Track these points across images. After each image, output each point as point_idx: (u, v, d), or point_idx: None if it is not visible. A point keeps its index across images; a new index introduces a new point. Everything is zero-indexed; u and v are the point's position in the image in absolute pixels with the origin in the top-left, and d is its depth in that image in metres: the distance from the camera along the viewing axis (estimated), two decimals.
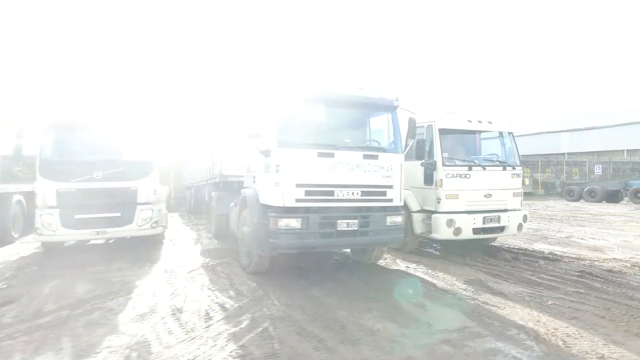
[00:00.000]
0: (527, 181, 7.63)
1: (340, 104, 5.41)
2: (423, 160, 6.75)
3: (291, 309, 4.12)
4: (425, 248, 7.70)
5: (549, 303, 4.34)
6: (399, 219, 5.37)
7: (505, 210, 6.89)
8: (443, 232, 6.41)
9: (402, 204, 5.55)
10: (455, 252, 7.15)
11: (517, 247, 7.69)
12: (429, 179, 6.72)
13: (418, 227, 6.79)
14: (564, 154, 43.98)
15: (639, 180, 21.37)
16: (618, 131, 41.77)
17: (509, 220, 6.84)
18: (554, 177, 33.74)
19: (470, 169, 6.68)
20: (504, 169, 7.00)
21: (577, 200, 22.32)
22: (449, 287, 5.04)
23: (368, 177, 5.23)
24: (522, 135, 48.63)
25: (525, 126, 53.03)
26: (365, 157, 5.25)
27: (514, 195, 7.04)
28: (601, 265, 6.08)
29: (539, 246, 7.83)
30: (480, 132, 7.19)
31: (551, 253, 7.06)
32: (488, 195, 6.77)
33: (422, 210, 6.86)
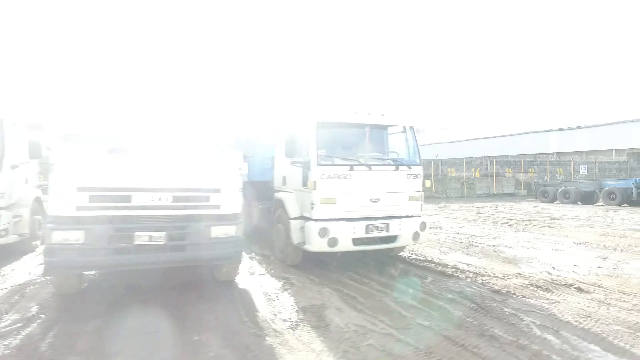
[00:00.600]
0: (428, 182, 6.55)
1: None
2: (293, 159, 5.79)
3: None
4: (324, 258, 6.71)
5: (364, 344, 3.35)
6: (230, 230, 4.38)
7: (398, 217, 5.90)
8: (315, 243, 5.42)
9: (235, 211, 4.56)
10: (347, 265, 6.17)
11: (421, 258, 6.70)
12: (305, 181, 5.73)
13: (295, 237, 5.79)
14: (552, 153, 43.15)
15: (613, 181, 20.34)
16: (605, 130, 40.98)
17: (401, 229, 5.83)
18: (538, 178, 32.76)
19: (351, 168, 5.67)
20: (397, 168, 5.97)
21: (551, 201, 21.32)
22: (270, 316, 4.02)
23: (182, 179, 4.26)
24: (511, 135, 48.03)
25: (515, 126, 52.16)
26: (175, 152, 4.26)
27: (411, 199, 6.03)
28: (494, 284, 5.09)
29: (450, 257, 6.84)
30: (370, 126, 6.16)
31: (454, 267, 6.07)
32: (375, 200, 5.77)
33: (300, 217, 5.86)
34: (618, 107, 44.49)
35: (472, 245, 8.01)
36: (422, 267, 6.07)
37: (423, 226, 6.01)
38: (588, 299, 4.43)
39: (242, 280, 5.37)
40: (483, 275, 5.54)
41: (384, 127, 6.50)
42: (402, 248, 6.76)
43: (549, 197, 21.59)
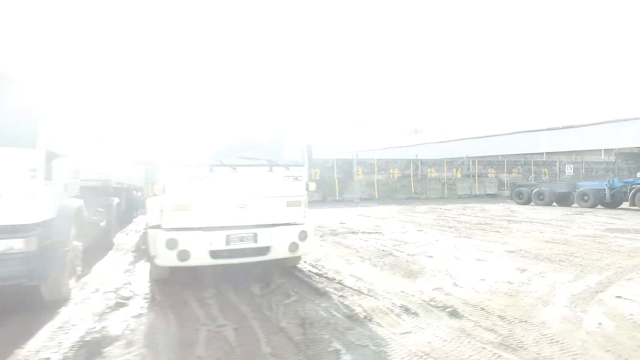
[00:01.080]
0: (312, 186, 5.72)
1: None
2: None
3: None
4: (204, 270, 5.93)
5: None
6: (15, 244, 3.61)
7: (272, 226, 5.12)
8: (163, 257, 4.65)
9: (21, 221, 3.78)
10: (225, 277, 5.41)
11: (314, 271, 5.92)
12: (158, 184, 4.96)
13: (151, 248, 5.04)
14: (542, 153, 42.41)
15: (587, 182, 19.55)
16: (595, 130, 40.18)
17: (273, 239, 5.04)
18: (522, 178, 31.99)
19: (212, 169, 4.90)
20: (271, 169, 5.19)
21: (526, 203, 20.56)
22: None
23: None
24: (502, 135, 47.25)
25: (505, 125, 51.48)
26: None
27: (289, 205, 5.25)
28: (359, 306, 4.32)
29: (348, 270, 6.06)
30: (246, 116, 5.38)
31: (340, 282, 5.29)
32: (241, 206, 4.99)
33: (159, 226, 5.10)
34: (608, 106, 43.66)
35: (390, 254, 7.23)
36: (303, 282, 5.30)
37: (303, 235, 5.22)
38: (449, 329, 3.67)
39: (76, 297, 4.62)
40: (360, 294, 4.77)
41: (264, 119, 5.70)
42: (296, 259, 6.01)
43: (523, 199, 20.83)
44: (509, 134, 47.79)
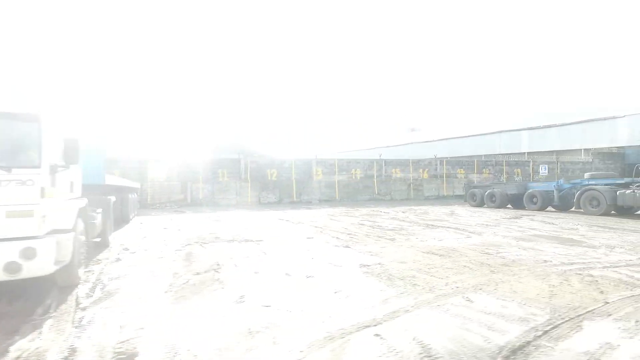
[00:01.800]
0: (51, 193, 4.72)
1: None
2: None
3: None
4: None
5: None
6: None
7: None
8: None
9: None
10: None
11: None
12: None
13: None
14: (524, 153, 41.41)
15: (539, 183, 18.52)
16: (575, 129, 39.20)
17: None
18: (492, 178, 30.98)
19: None
20: None
21: (480, 205, 19.60)
22: None
23: None
24: (484, 134, 46.21)
25: (488, 124, 50.51)
26: None
27: (10, 215, 4.28)
28: None
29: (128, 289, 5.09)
30: None
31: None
32: None
33: None
34: (588, 105, 42.63)
35: (214, 270, 6.25)
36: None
37: (29, 253, 4.24)
38: None
39: None
40: None
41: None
42: (71, 277, 5.08)
43: (477, 201, 19.85)
44: (491, 133, 46.86)
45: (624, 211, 14.85)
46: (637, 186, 13.94)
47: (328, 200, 25.86)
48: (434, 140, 51.91)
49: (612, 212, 15.01)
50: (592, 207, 14.84)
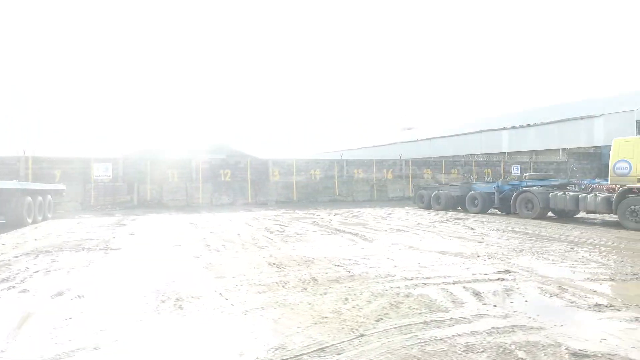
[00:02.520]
0: None
1: None
2: None
3: None
4: None
5: None
6: None
7: None
8: None
9: None
10: None
11: None
12: None
13: None
14: (504, 153, 40.70)
15: (483, 184, 17.75)
16: (554, 129, 38.46)
17: None
18: (461, 179, 30.23)
19: None
20: None
21: (427, 207, 18.83)
22: None
23: None
24: (465, 134, 45.46)
25: (470, 124, 49.81)
26: None
27: None
28: None
29: None
30: None
31: None
32: None
33: None
34: (564, 104, 41.99)
35: None
36: None
37: None
38: None
39: None
40: None
41: None
42: None
43: (425, 203, 19.09)
44: (473, 133, 46.22)
45: (565, 214, 14.06)
46: (572, 187, 13.21)
47: (285, 202, 25.14)
48: (418, 140, 51.31)
49: (552, 215, 14.28)
50: (527, 210, 14.09)
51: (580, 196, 12.38)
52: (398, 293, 4.91)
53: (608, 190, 11.89)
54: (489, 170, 31.96)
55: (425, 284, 5.33)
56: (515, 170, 32.38)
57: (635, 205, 10.94)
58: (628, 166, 11.35)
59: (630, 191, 11.10)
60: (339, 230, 11.13)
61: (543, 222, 12.82)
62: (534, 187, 14.13)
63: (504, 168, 32.32)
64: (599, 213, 12.32)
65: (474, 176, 30.92)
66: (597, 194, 11.99)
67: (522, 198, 14.23)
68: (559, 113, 39.12)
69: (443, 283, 5.34)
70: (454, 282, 5.36)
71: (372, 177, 28.06)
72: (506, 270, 6.05)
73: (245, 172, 25.21)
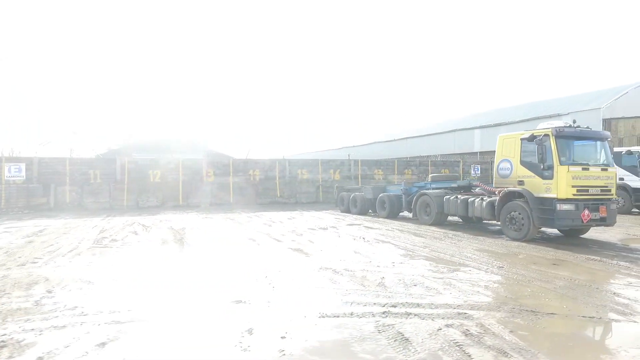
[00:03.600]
0: None
1: None
2: None
3: None
4: None
5: None
6: None
7: None
8: None
9: None
10: None
11: None
12: None
13: None
14: (476, 153, 39.35)
15: (395, 186, 16.38)
16: (524, 127, 36.97)
17: None
18: (416, 179, 28.84)
19: None
20: None
21: (347, 210, 17.52)
22: None
23: None
24: (440, 133, 44.16)
25: (441, 124, 48.68)
26: None
27: None
28: None
29: None
30: None
31: None
32: None
33: None
34: (531, 103, 40.77)
35: None
36: None
37: None
38: None
39: None
40: None
41: None
42: None
43: (344, 206, 17.77)
44: (446, 132, 44.97)
45: (474, 220, 12.64)
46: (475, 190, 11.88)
47: (220, 204, 23.85)
48: (395, 140, 50.19)
49: (459, 220, 12.95)
50: (426, 215, 12.75)
51: (469, 200, 11.04)
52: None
53: (493, 193, 10.55)
54: (447, 171, 30.55)
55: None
56: (475, 171, 31.02)
57: (514, 211, 9.58)
58: (510, 166, 9.99)
59: (512, 195, 9.73)
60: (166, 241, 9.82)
61: (431, 230, 11.46)
62: (432, 190, 12.78)
63: (462, 168, 30.93)
64: (485, 219, 10.97)
65: (429, 177, 29.51)
66: (484, 198, 10.64)
67: (422, 202, 12.90)
68: (528, 112, 37.87)
69: None
70: None
71: (318, 177, 26.72)
72: None
73: (177, 173, 23.92)
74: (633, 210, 15.93)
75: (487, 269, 6.63)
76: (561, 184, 8.63)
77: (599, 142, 9.48)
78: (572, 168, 8.67)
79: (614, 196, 9.22)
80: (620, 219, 14.23)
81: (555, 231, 10.66)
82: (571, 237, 10.12)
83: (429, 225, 12.31)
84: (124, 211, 20.04)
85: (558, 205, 8.60)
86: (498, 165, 10.46)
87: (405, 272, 6.22)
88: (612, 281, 6.12)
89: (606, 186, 9.04)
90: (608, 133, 9.93)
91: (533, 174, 9.24)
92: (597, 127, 31.10)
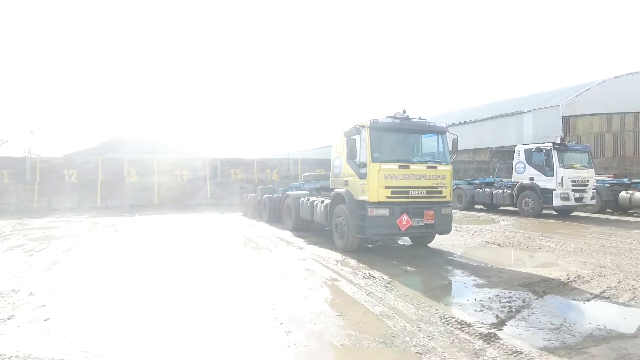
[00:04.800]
0: None
1: None
2: None
3: None
4: None
5: None
6: None
7: None
8: None
9: None
10: None
11: None
12: None
13: None
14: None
15: (295, 184, 14.92)
16: (488, 125, 35.91)
17: None
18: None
19: None
20: None
21: (245, 213, 16.12)
22: None
23: None
24: None
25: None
26: None
27: None
28: None
29: None
30: None
31: None
32: None
33: None
34: (494, 102, 39.57)
35: None
36: None
37: None
38: None
39: None
40: None
41: None
42: None
43: (243, 208, 16.38)
44: None
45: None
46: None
47: (144, 206, 22.59)
48: None
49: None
50: (290, 219, 11.39)
51: (314, 203, 9.66)
52: None
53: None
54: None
55: None
56: None
57: (339, 217, 8.20)
58: (340, 164, 8.61)
59: (338, 198, 8.33)
60: None
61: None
62: (293, 192, 11.39)
63: None
64: (324, 225, 9.55)
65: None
66: (324, 201, 9.26)
67: (286, 206, 11.53)
68: (493, 110, 36.71)
69: None
70: None
71: (254, 177, 25.38)
72: None
73: (96, 173, 22.64)
74: (544, 212, 14.53)
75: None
76: (372, 185, 7.25)
77: (432, 136, 8.11)
78: (384, 166, 7.29)
79: (447, 199, 7.82)
80: (523, 222, 12.84)
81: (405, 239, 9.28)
82: (418, 246, 8.76)
83: (290, 230, 10.94)
84: (23, 214, 18.76)
85: (369, 210, 7.22)
86: (332, 163, 9.09)
87: None
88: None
89: (435, 187, 7.65)
90: (444, 126, 8.52)
91: (354, 173, 7.87)
92: (557, 124, 29.75)
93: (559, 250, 8.30)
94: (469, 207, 17.05)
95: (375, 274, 6.23)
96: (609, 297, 5.11)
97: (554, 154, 13.48)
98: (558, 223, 12.70)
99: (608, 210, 15.39)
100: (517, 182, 14.50)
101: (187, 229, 11.78)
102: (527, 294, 5.19)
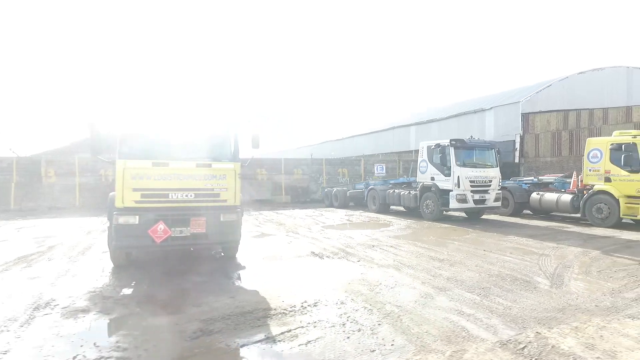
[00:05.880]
0: None
1: None
2: None
3: None
4: None
5: None
6: None
7: None
8: None
9: None
10: None
11: None
12: None
13: None
14: (411, 151, 36.72)
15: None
16: (452, 123, 34.79)
17: None
18: (309, 180, 26.26)
19: None
20: None
21: None
22: None
23: None
24: (379, 131, 41.63)
25: (382, 121, 46.86)
26: None
27: None
28: None
29: None
30: None
31: None
32: None
33: None
34: (460, 101, 38.35)
35: None
36: None
37: None
38: None
39: None
40: None
41: None
42: None
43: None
44: (385, 130, 42.69)
45: None
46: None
47: (64, 208, 21.31)
48: (344, 138, 48.31)
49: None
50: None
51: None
52: None
53: None
54: (345, 170, 27.85)
55: None
56: (379, 170, 28.24)
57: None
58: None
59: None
60: None
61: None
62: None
63: (364, 167, 28.16)
64: None
65: (324, 177, 26.83)
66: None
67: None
68: (457, 109, 35.72)
69: None
70: None
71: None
72: None
73: (10, 173, 21.34)
74: (456, 214, 13.08)
75: None
76: (117, 186, 5.87)
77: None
78: (130, 163, 5.91)
79: (230, 203, 6.42)
80: (413, 226, 11.41)
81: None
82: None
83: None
84: None
85: (114, 218, 5.84)
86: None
87: None
88: None
89: (210, 189, 6.26)
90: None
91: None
92: (516, 122, 28.37)
93: (375, 263, 6.88)
94: (382, 210, 15.09)
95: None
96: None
97: (451, 152, 12.01)
98: (448, 228, 11.23)
99: (527, 212, 13.94)
100: (420, 183, 13.03)
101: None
102: None
